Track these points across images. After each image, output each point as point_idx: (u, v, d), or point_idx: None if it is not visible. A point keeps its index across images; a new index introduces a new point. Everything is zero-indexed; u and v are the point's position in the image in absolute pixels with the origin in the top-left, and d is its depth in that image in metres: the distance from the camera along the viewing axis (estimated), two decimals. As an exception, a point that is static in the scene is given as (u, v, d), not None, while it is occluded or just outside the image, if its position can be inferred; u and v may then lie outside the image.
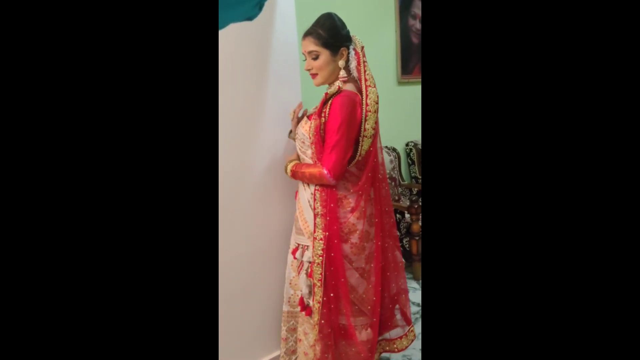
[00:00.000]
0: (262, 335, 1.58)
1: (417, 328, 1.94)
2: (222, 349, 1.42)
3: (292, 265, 1.43)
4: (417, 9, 3.11)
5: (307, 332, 1.36)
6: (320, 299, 1.27)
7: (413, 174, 3.13)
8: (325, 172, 1.24)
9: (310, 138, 1.30)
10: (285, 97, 1.55)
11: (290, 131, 1.49)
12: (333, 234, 1.26)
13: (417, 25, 3.13)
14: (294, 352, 1.45)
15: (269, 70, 1.50)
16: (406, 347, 1.47)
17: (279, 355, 1.54)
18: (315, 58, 1.27)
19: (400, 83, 3.07)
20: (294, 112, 1.43)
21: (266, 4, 1.43)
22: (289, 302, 1.45)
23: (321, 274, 1.27)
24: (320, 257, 1.26)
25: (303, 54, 1.32)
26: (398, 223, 2.53)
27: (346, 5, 2.55)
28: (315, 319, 1.28)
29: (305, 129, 1.32)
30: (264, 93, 1.50)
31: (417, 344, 1.69)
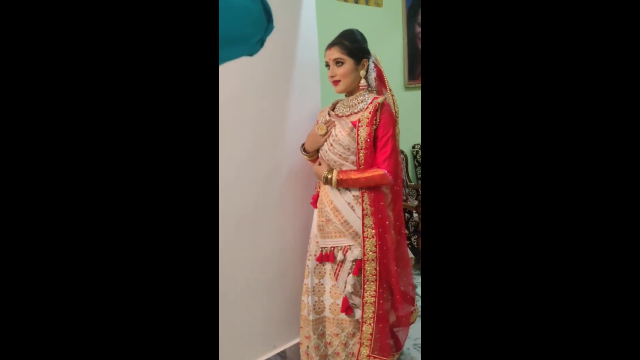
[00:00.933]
0: (287, 322, 1.71)
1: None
2: (258, 332, 1.57)
3: (317, 272, 1.49)
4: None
5: (338, 333, 1.48)
6: (375, 293, 1.41)
7: (419, 175, 3.25)
8: (387, 174, 1.38)
9: (359, 144, 1.39)
10: (307, 105, 1.68)
11: (303, 147, 1.57)
12: (385, 230, 1.42)
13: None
14: (325, 357, 1.51)
15: (293, 79, 1.63)
16: (414, 322, 1.65)
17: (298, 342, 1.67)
18: (340, 65, 1.40)
19: (407, 88, 3.20)
20: (325, 126, 1.47)
21: (290, 16, 1.56)
22: (314, 310, 1.48)
23: (375, 268, 1.41)
24: (374, 253, 1.40)
25: (327, 62, 1.43)
26: (407, 222, 2.65)
27: (358, 15, 2.68)
28: (365, 314, 1.43)
29: (353, 137, 1.40)
30: (288, 101, 1.63)
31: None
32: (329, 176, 1.42)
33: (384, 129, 1.41)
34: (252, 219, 1.57)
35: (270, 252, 1.64)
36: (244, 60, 1.44)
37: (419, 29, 3.22)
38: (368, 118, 1.40)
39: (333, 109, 1.54)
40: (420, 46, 3.24)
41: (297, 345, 1.75)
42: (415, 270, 2.64)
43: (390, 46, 3.06)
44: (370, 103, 1.43)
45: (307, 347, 1.54)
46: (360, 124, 1.40)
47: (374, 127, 1.40)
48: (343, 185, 1.42)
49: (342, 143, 1.42)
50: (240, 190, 1.52)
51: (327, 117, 1.50)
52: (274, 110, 1.59)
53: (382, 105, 1.42)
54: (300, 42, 1.64)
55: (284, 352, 1.72)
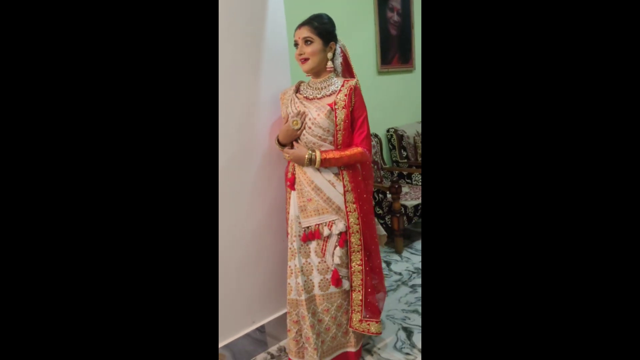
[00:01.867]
0: (265, 299, 1.78)
1: (397, 294, 2.18)
2: (238, 308, 1.63)
3: (302, 252, 1.53)
4: (394, 2, 3.29)
5: (328, 308, 1.54)
6: (361, 262, 1.53)
7: (394, 158, 3.34)
8: (366, 151, 1.50)
9: (338, 126, 1.47)
10: (277, 87, 1.72)
11: (278, 141, 1.58)
12: (364, 203, 1.54)
13: (394, 17, 3.32)
14: (318, 334, 1.54)
15: (263, 62, 1.67)
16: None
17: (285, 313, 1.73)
18: (309, 44, 1.45)
19: (380, 73, 3.26)
20: (300, 120, 1.49)
21: (258, 2, 1.59)
22: (304, 290, 1.51)
23: (360, 239, 1.52)
24: (357, 225, 1.51)
25: (296, 41, 1.48)
26: (381, 202, 2.74)
27: (330, 1, 2.72)
28: (350, 285, 1.55)
29: (331, 119, 1.46)
30: (258, 83, 1.67)
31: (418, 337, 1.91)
32: (313, 157, 1.46)
33: (359, 111, 1.50)
34: (228, 200, 1.61)
35: (247, 233, 1.69)
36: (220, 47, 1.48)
37: (390, 14, 3.28)
38: (344, 101, 1.47)
39: (297, 91, 1.59)
40: (391, 31, 3.31)
41: (276, 320, 1.83)
42: (389, 248, 2.75)
43: (362, 32, 3.11)
44: (343, 86, 1.50)
45: (298, 331, 1.57)
46: (336, 107, 1.47)
47: (350, 109, 1.48)
48: (326, 164, 1.47)
49: (321, 125, 1.47)
50: (232, 167, 1.57)
51: (296, 102, 1.52)
52: (245, 92, 1.63)
53: (355, 88, 1.49)
54: (269, 25, 1.68)
55: (262, 327, 1.79)
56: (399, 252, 2.68)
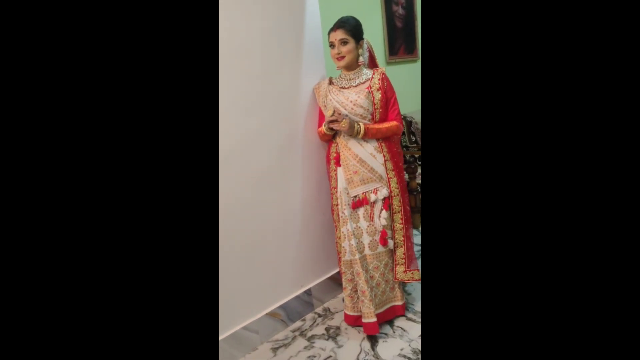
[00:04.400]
0: (312, 265, 2.04)
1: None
2: (289, 274, 1.93)
3: (353, 217, 1.77)
4: (399, -4, 3.52)
5: (377, 265, 1.80)
6: (402, 221, 1.82)
7: (404, 143, 3.59)
8: (400, 125, 1.80)
9: (375, 105, 1.75)
10: (314, 79, 1.96)
11: (327, 126, 1.79)
12: (400, 170, 1.82)
13: (399, 10, 3.55)
14: (371, 289, 1.78)
15: (303, 58, 1.90)
16: None
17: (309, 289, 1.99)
18: (344, 44, 1.71)
19: (388, 63, 3.50)
20: (338, 117, 1.72)
21: (296, 9, 1.83)
22: (357, 250, 1.75)
23: (400, 201, 1.81)
24: (397, 189, 1.80)
25: (332, 42, 1.72)
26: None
27: (342, -2, 2.94)
28: (396, 239, 1.83)
29: (370, 99, 1.74)
30: (299, 76, 1.90)
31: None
32: (358, 128, 1.72)
33: (390, 92, 1.79)
34: (272, 178, 1.84)
35: (293, 207, 1.94)
36: (265, 44, 1.71)
37: (395, 8, 3.50)
38: (379, 85, 1.76)
39: (330, 83, 1.85)
40: (397, 23, 3.54)
41: (320, 284, 2.08)
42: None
43: (371, 25, 3.33)
44: (374, 73, 1.77)
45: (352, 288, 1.80)
46: (372, 89, 1.75)
47: (384, 90, 1.76)
48: (368, 134, 1.74)
49: (362, 105, 1.74)
50: (258, 154, 1.78)
51: (334, 92, 1.79)
52: (289, 85, 1.86)
53: (384, 75, 1.78)
54: (307, 26, 1.91)
55: (309, 290, 2.04)
56: (416, 227, 2.94)
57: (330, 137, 1.86)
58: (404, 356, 1.66)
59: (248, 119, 1.71)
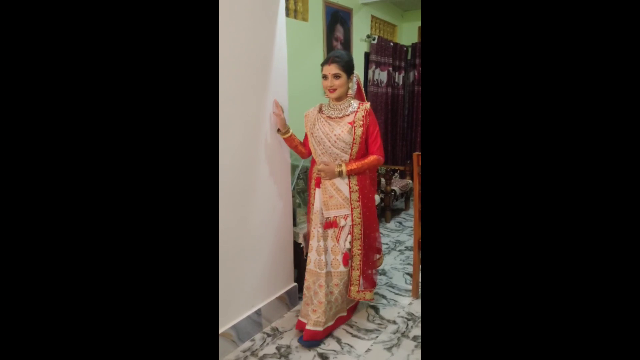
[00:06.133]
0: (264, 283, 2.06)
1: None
2: (253, 285, 1.92)
3: (323, 236, 1.93)
4: (338, 33, 3.80)
5: (338, 283, 1.97)
6: (360, 247, 1.97)
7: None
8: (381, 157, 1.93)
9: (355, 140, 1.87)
10: (279, 101, 2.05)
11: (279, 129, 1.99)
12: (368, 200, 1.96)
13: (338, 46, 3.82)
14: (329, 302, 1.96)
15: (270, 82, 1.98)
16: (381, 265, 2.29)
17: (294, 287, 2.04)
18: (337, 78, 1.83)
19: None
20: (277, 113, 1.93)
21: (267, 34, 1.92)
22: (324, 265, 1.93)
23: (360, 230, 1.95)
24: (359, 219, 1.95)
25: (326, 75, 1.86)
26: (378, 183, 3.63)
27: (289, 27, 3.10)
28: (354, 262, 1.99)
29: (351, 134, 1.86)
30: (266, 99, 1.97)
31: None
32: (341, 170, 1.88)
33: (372, 127, 1.92)
34: (232, 197, 1.85)
35: (249, 227, 1.96)
36: (236, 67, 1.76)
37: (335, 44, 3.77)
38: (362, 121, 1.88)
39: (320, 110, 1.98)
40: (336, 58, 3.81)
41: (269, 304, 2.10)
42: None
43: (314, 54, 3.54)
44: (359, 108, 1.89)
45: (310, 296, 1.97)
46: (355, 125, 1.88)
47: (366, 127, 1.89)
48: (351, 173, 1.89)
49: (345, 140, 1.87)
50: (233, 174, 1.82)
51: (322, 121, 1.92)
52: (257, 107, 1.92)
53: (370, 111, 1.91)
54: (275, 53, 2.00)
55: (259, 310, 2.05)
56: (387, 221, 3.83)
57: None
58: (356, 370, 1.77)
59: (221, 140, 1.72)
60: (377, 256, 2.14)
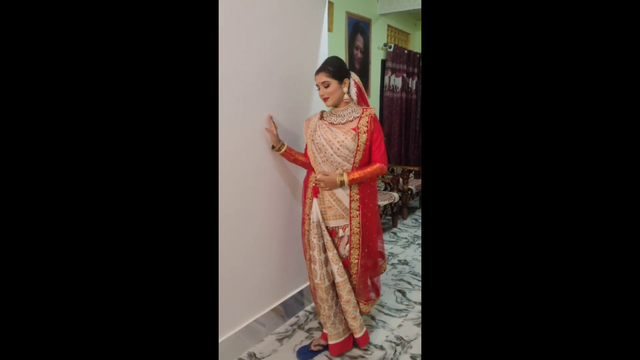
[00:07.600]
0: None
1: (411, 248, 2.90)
2: (258, 291, 2.17)
3: (323, 250, 1.83)
4: (359, 42, 4.08)
5: (343, 293, 1.87)
6: (358, 256, 1.86)
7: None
8: (384, 165, 1.82)
9: (359, 147, 1.76)
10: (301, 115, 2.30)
11: (273, 146, 1.95)
12: (368, 210, 1.85)
13: (358, 54, 4.11)
14: (336, 314, 1.90)
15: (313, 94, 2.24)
16: (384, 271, 2.14)
17: (300, 290, 2.20)
18: (327, 86, 1.75)
19: (347, 98, 4.00)
20: (270, 129, 1.87)
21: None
22: (327, 278, 1.85)
23: (359, 239, 1.85)
24: (358, 228, 1.84)
25: (317, 85, 1.77)
26: (397, 183, 4.02)
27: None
28: (352, 271, 1.89)
29: (355, 141, 1.75)
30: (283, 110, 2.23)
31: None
32: (343, 179, 1.76)
33: (377, 133, 1.79)
34: (248, 206, 1.91)
35: (294, 217, 2.22)
36: (244, 76, 1.81)
37: (355, 52, 4.06)
38: (366, 127, 1.76)
39: (321, 117, 1.87)
40: (356, 65, 4.08)
41: (309, 287, 2.36)
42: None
43: (336, 63, 3.81)
44: (362, 113, 1.77)
45: (326, 308, 1.88)
46: (359, 131, 1.76)
47: (371, 133, 1.78)
48: (353, 183, 1.77)
49: (348, 147, 1.75)
50: (235, 181, 1.84)
51: (323, 127, 1.79)
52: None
53: (374, 116, 1.79)
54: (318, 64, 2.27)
55: (302, 290, 2.31)
56: (404, 218, 4.16)
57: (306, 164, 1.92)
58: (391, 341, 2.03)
59: (245, 125, 1.82)
60: (381, 261, 2.06)
